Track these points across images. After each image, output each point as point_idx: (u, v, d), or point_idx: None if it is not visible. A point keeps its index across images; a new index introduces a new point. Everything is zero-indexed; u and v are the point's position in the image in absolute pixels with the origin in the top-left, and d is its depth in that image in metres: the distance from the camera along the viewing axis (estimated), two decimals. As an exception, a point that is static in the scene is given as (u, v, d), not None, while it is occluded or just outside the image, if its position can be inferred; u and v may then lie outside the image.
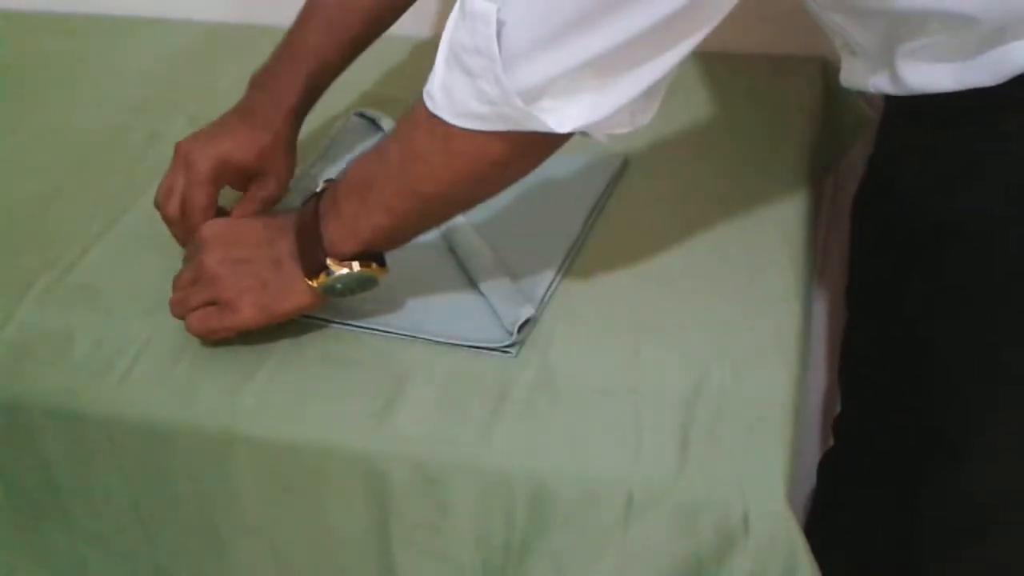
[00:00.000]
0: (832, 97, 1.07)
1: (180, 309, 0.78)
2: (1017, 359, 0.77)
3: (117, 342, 0.79)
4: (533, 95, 0.63)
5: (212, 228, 0.79)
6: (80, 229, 0.91)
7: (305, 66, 0.88)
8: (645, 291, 0.82)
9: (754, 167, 0.95)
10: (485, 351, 0.77)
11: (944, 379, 0.82)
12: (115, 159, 1.01)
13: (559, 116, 0.64)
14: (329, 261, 0.73)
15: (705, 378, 0.74)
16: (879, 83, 0.75)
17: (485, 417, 0.72)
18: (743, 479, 0.67)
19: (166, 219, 0.84)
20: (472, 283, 0.82)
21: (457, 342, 0.77)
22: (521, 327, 0.76)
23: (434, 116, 0.66)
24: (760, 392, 0.73)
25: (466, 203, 0.76)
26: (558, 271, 0.83)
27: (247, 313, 0.75)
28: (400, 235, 0.75)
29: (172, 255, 0.87)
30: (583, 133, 0.66)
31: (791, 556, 0.67)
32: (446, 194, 0.71)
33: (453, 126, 0.65)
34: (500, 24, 0.61)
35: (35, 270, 0.87)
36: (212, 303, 0.76)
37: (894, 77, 0.73)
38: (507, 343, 0.76)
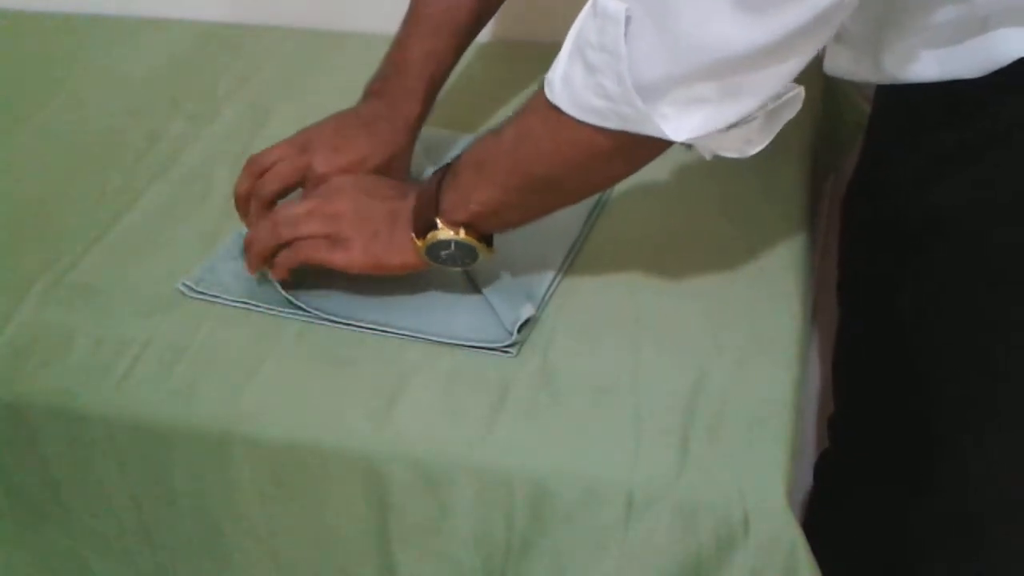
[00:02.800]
0: (832, 97, 1.07)
1: (290, 231, 0.78)
2: (1007, 355, 0.77)
3: (117, 342, 0.79)
4: (653, 98, 0.64)
5: (347, 177, 0.82)
6: (80, 229, 0.91)
7: (423, 77, 0.89)
8: (645, 291, 0.82)
9: (754, 167, 0.95)
10: (485, 351, 0.77)
11: (935, 377, 0.82)
12: (115, 159, 1.01)
13: (675, 124, 0.65)
14: (438, 221, 0.75)
15: (705, 378, 0.74)
16: (863, 70, 0.75)
17: (485, 417, 0.72)
18: (743, 479, 0.67)
19: (260, 198, 0.84)
20: (472, 283, 0.82)
21: (457, 342, 0.77)
22: (521, 327, 0.76)
23: (551, 104, 0.68)
24: (760, 392, 0.73)
25: (573, 192, 0.77)
26: (558, 271, 0.83)
27: (355, 255, 0.77)
28: (508, 214, 0.76)
29: (172, 255, 0.88)
30: (689, 146, 0.67)
31: (791, 556, 0.67)
32: (552, 177, 0.72)
33: (568, 116, 0.67)
34: (628, 23, 0.62)
35: (35, 270, 0.87)
36: (324, 237, 0.78)
37: (878, 65, 0.73)
38: (507, 343, 0.76)
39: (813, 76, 1.06)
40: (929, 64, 0.71)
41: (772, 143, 0.97)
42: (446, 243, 0.75)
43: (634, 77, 0.63)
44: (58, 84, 1.15)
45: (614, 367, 0.75)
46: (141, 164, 1.00)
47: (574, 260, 0.85)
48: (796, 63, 0.64)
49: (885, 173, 0.84)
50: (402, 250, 0.77)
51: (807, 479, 1.12)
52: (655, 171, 0.94)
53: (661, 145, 0.68)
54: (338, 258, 0.78)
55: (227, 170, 0.98)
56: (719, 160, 0.95)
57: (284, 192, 0.84)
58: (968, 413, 0.81)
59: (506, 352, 0.76)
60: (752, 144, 0.70)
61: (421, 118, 0.90)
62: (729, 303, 0.80)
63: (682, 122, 0.65)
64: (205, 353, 0.78)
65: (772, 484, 0.67)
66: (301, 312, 0.80)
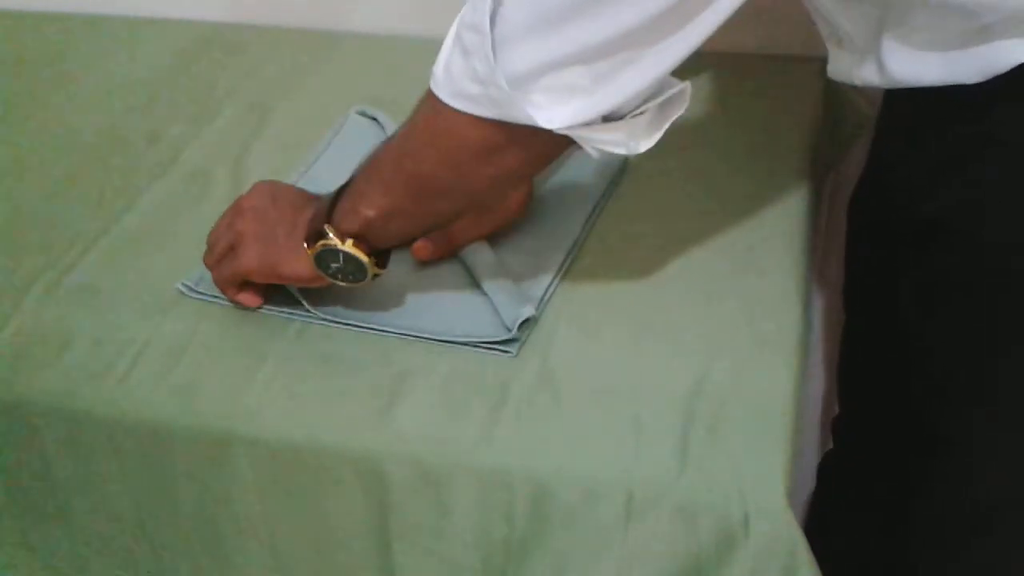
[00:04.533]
0: (832, 97, 1.07)
1: (210, 257, 0.81)
2: (1012, 357, 0.77)
3: (117, 342, 0.80)
4: (523, 83, 0.63)
5: (262, 189, 0.81)
6: (80, 229, 0.91)
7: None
8: (645, 291, 0.82)
9: (754, 167, 0.95)
10: (485, 351, 0.77)
11: (939, 379, 0.82)
12: (115, 159, 1.01)
13: (548, 112, 0.63)
14: (327, 227, 0.73)
15: (705, 378, 0.74)
16: (865, 74, 0.75)
17: (485, 417, 0.72)
18: (743, 479, 0.67)
19: (206, 264, 0.83)
20: (472, 282, 0.82)
21: (457, 341, 0.77)
22: (521, 326, 0.76)
23: (434, 95, 0.66)
24: (760, 392, 0.73)
25: (459, 194, 0.73)
26: (558, 271, 0.83)
27: (251, 260, 0.77)
28: (397, 222, 0.73)
29: (172, 255, 0.88)
30: (572, 141, 0.65)
31: (791, 556, 0.67)
32: (435, 176, 0.70)
33: (447, 106, 0.65)
34: (497, 3, 0.61)
35: (35, 270, 0.87)
36: (230, 248, 0.79)
37: (880, 68, 0.73)
38: (507, 338, 0.76)
39: (813, 76, 1.07)
40: (931, 69, 0.70)
41: (772, 143, 0.97)
42: (335, 254, 0.73)
43: (502, 58, 0.62)
44: (58, 84, 1.15)
45: (614, 367, 0.75)
46: (141, 164, 1.00)
47: (574, 260, 0.85)
48: (671, 55, 0.62)
49: (891, 175, 0.84)
50: (294, 259, 0.76)
51: (810, 480, 1.12)
52: (654, 172, 0.94)
53: (538, 142, 0.66)
54: (236, 264, 0.78)
55: (227, 170, 0.98)
56: (719, 160, 0.96)
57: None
58: (971, 415, 0.81)
59: (506, 352, 0.76)
60: (636, 140, 0.67)
61: None
62: (729, 303, 0.80)
63: (555, 111, 0.63)
64: (205, 353, 0.78)
65: (772, 484, 0.67)
66: (301, 312, 0.80)
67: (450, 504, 0.72)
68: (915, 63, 0.71)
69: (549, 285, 0.82)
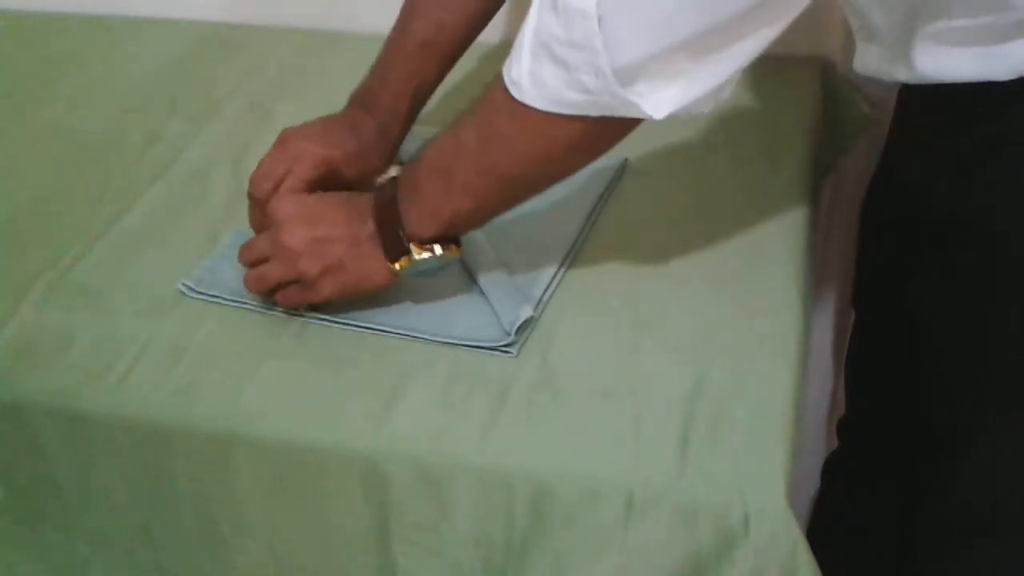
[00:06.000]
0: (832, 97, 1.07)
1: (259, 285, 0.79)
2: (1019, 361, 0.77)
3: (117, 342, 0.79)
4: (628, 79, 0.63)
5: (290, 205, 0.79)
6: (80, 229, 0.91)
7: (407, 95, 0.88)
8: (645, 291, 0.82)
9: (754, 167, 0.95)
10: (485, 351, 0.77)
11: (951, 379, 0.82)
12: (115, 159, 1.01)
13: (653, 100, 0.64)
14: (412, 246, 0.74)
15: (705, 378, 0.74)
16: (894, 70, 0.75)
17: (485, 417, 0.72)
18: (743, 479, 0.67)
19: (253, 199, 0.84)
20: (472, 283, 0.82)
21: (457, 342, 0.77)
22: (520, 327, 0.76)
23: (519, 103, 0.67)
24: (760, 392, 0.73)
25: (545, 184, 0.76)
26: (558, 271, 0.83)
27: (327, 292, 0.77)
28: (482, 216, 0.76)
29: (172, 255, 0.88)
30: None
31: (791, 556, 0.67)
32: (527, 174, 0.72)
33: (542, 112, 0.66)
34: (600, 18, 0.61)
35: (35, 270, 0.87)
36: (292, 281, 0.78)
37: (910, 64, 0.72)
38: (506, 343, 0.76)
39: (813, 76, 1.07)
40: (964, 65, 0.70)
41: (772, 143, 0.97)
42: (423, 262, 0.75)
43: (612, 64, 0.62)
44: (58, 84, 1.15)
45: (614, 367, 0.75)
46: (141, 164, 1.00)
47: (574, 260, 0.85)
48: (779, 25, 0.63)
49: (904, 173, 0.84)
50: (373, 275, 0.77)
51: (810, 480, 1.12)
52: (654, 172, 0.94)
53: (632, 123, 0.68)
54: (312, 298, 0.78)
55: (227, 170, 0.98)
56: (719, 160, 0.96)
57: (275, 189, 0.83)
58: (980, 416, 0.81)
59: (506, 352, 0.76)
60: (721, 95, 0.68)
61: (401, 136, 0.89)
62: (729, 303, 0.80)
63: (659, 97, 0.64)
64: (205, 353, 0.78)
65: (772, 484, 0.67)
66: (301, 312, 0.80)
67: (450, 504, 0.72)
68: (947, 59, 0.70)
69: (549, 285, 0.82)
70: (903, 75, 0.74)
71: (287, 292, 0.79)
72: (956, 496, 0.85)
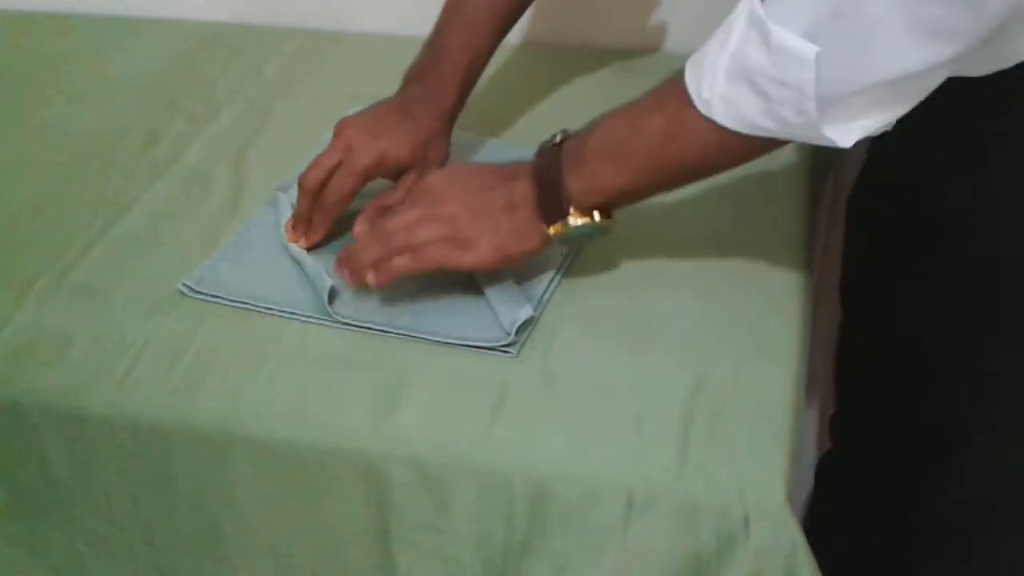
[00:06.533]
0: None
1: (404, 238, 0.78)
2: (1009, 359, 0.77)
3: (117, 342, 0.79)
4: (829, 116, 0.64)
5: (445, 173, 0.81)
6: (80, 229, 0.91)
7: (459, 66, 0.90)
8: (645, 291, 0.82)
9: (753, 167, 0.95)
10: (485, 351, 0.77)
11: (936, 378, 0.82)
12: (115, 159, 1.01)
13: (845, 130, 0.65)
14: (572, 209, 0.75)
15: (705, 378, 0.74)
16: None
17: (485, 417, 0.72)
18: (743, 479, 0.67)
19: (304, 188, 0.85)
20: (472, 283, 0.82)
21: (457, 342, 0.77)
22: (520, 328, 0.76)
23: (704, 117, 0.68)
24: (760, 392, 0.73)
25: (703, 175, 0.77)
26: (558, 271, 0.83)
27: (483, 252, 0.77)
28: (639, 195, 0.76)
29: (172, 255, 0.88)
30: None
31: (791, 556, 0.67)
32: (694, 168, 0.74)
33: (726, 129, 0.67)
34: (816, 64, 0.62)
35: (35, 270, 0.87)
36: (447, 240, 0.77)
37: None
38: (506, 343, 0.76)
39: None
40: None
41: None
42: (578, 228, 0.76)
43: (819, 105, 0.63)
44: (58, 84, 1.15)
45: (614, 367, 0.75)
46: (141, 164, 1.00)
47: (574, 260, 0.85)
48: (954, 62, 0.63)
49: (890, 173, 0.84)
50: (528, 237, 0.77)
51: (808, 480, 1.12)
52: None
53: None
54: (467, 259, 0.77)
55: (227, 170, 0.98)
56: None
57: (350, 196, 0.85)
58: (969, 414, 0.81)
59: (506, 352, 0.76)
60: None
61: (456, 106, 0.90)
62: (729, 303, 0.80)
63: (851, 126, 0.65)
64: (205, 353, 0.78)
65: (772, 484, 0.67)
66: (301, 312, 0.80)
67: (450, 504, 0.72)
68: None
69: (549, 285, 0.82)
70: None
71: (437, 248, 0.77)
72: (947, 497, 0.85)
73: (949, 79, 0.66)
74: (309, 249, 0.86)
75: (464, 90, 0.90)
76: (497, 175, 0.79)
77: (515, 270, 0.82)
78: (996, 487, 0.82)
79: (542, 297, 0.81)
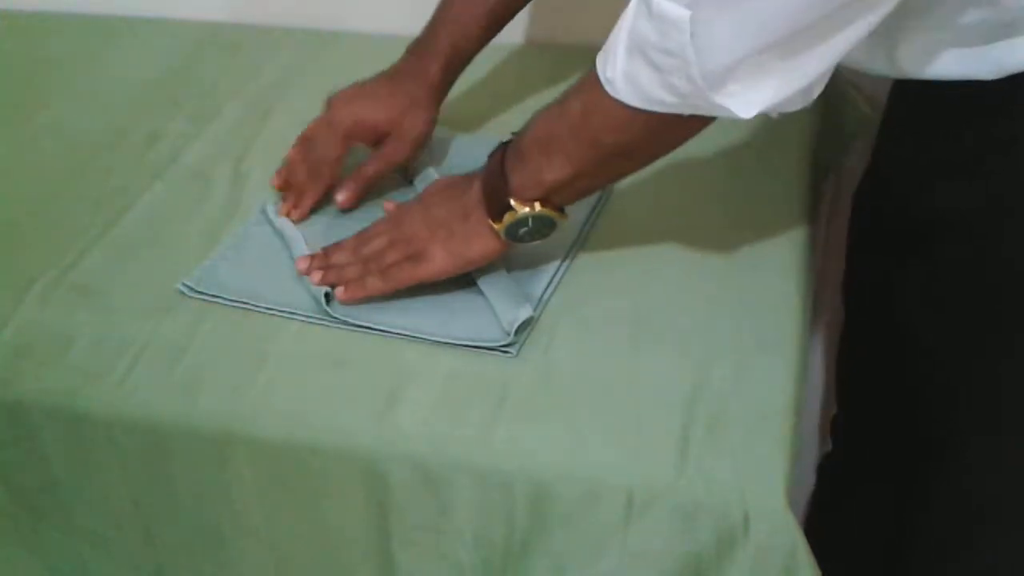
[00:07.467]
0: (832, 97, 1.07)
1: (375, 264, 0.81)
2: (1009, 358, 0.77)
3: (117, 342, 0.79)
4: (718, 83, 0.64)
5: (415, 199, 0.84)
6: (80, 229, 0.91)
7: (447, 35, 0.92)
8: (645, 291, 0.82)
9: (754, 167, 0.95)
10: (485, 351, 0.77)
11: (937, 379, 0.82)
12: (115, 159, 1.01)
13: (743, 101, 0.65)
14: (512, 201, 0.76)
15: (705, 378, 0.74)
16: (875, 64, 0.75)
17: (485, 417, 0.72)
18: (743, 479, 0.67)
19: (288, 159, 0.91)
20: (472, 283, 0.82)
21: (457, 342, 0.77)
22: (520, 328, 0.76)
23: (613, 98, 0.69)
24: (760, 392, 0.73)
25: (643, 157, 0.78)
26: (558, 270, 0.83)
27: (438, 262, 0.79)
28: (579, 185, 0.77)
29: (172, 255, 0.88)
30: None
31: (791, 556, 0.67)
32: (616, 145, 0.73)
33: (632, 106, 0.68)
34: (692, 29, 0.62)
35: (35, 270, 0.87)
36: (406, 259, 0.80)
37: (892, 59, 0.73)
38: (506, 343, 0.76)
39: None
40: (948, 63, 0.70)
41: (772, 143, 0.97)
42: (524, 219, 0.76)
43: (703, 71, 0.63)
44: (58, 84, 1.15)
45: (614, 367, 0.75)
46: (141, 164, 1.00)
47: (574, 260, 0.85)
48: (866, 24, 0.63)
49: (894, 173, 0.84)
50: (481, 239, 0.78)
51: (809, 480, 1.12)
52: (654, 172, 0.94)
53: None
54: (423, 270, 0.79)
55: (227, 170, 0.98)
56: (719, 160, 0.96)
57: (336, 162, 0.90)
58: (969, 414, 0.81)
59: (506, 352, 0.76)
60: (811, 93, 0.69)
61: (442, 77, 0.92)
62: (729, 303, 0.80)
63: (750, 97, 0.65)
64: (205, 353, 0.78)
65: (772, 484, 0.67)
66: (301, 312, 0.80)
67: (450, 504, 0.72)
68: (933, 56, 0.71)
69: (548, 284, 0.82)
70: (885, 70, 0.74)
71: (397, 269, 0.80)
72: (947, 497, 0.85)
73: (957, 82, 0.66)
74: (297, 221, 0.89)
75: (450, 60, 0.92)
76: (457, 187, 0.81)
77: (515, 270, 0.82)
78: (996, 487, 0.82)
79: (542, 297, 0.81)
